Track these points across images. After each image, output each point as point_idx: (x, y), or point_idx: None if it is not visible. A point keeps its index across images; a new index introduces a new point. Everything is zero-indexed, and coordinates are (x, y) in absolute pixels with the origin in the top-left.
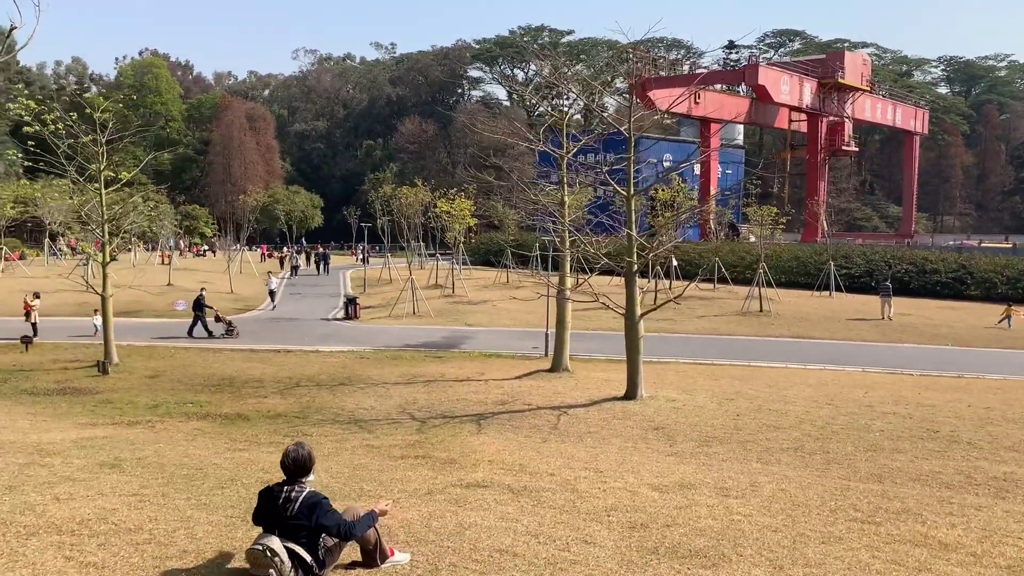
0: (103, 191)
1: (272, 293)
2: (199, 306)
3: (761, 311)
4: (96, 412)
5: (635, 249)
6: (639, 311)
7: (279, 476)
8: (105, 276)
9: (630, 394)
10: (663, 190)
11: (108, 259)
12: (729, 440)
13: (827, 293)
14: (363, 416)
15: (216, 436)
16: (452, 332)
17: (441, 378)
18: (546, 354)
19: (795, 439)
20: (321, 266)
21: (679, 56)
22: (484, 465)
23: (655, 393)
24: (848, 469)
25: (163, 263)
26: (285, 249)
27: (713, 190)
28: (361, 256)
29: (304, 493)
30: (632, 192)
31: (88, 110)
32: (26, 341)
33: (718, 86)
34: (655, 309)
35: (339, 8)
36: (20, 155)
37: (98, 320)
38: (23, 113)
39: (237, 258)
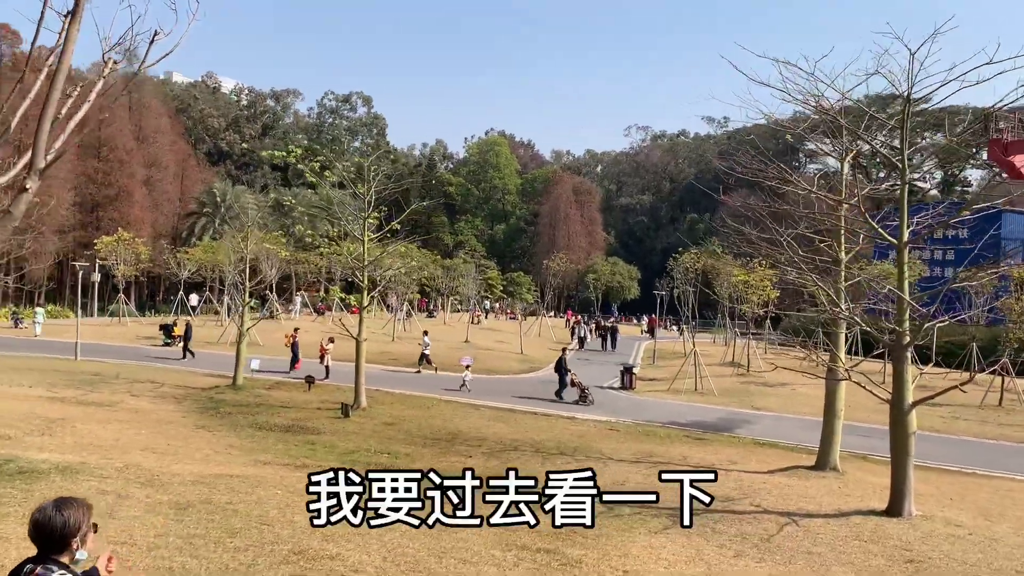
0: (365, 239)
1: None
2: (561, 369)
3: None
4: (288, 452)
5: (907, 317)
6: (910, 398)
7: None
8: (361, 320)
9: (894, 509)
10: (1019, 269)
11: (365, 305)
12: None
13: None
14: None
15: None
16: (731, 414)
17: (678, 461)
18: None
19: None
20: (608, 340)
21: None
22: None
23: (934, 512)
24: None
25: (474, 322)
26: (574, 318)
27: None
28: (647, 328)
29: None
30: (905, 241)
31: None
32: (309, 381)
33: None
34: (932, 397)
35: (671, 87)
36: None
37: (468, 376)
38: (293, 160)
39: (538, 322)
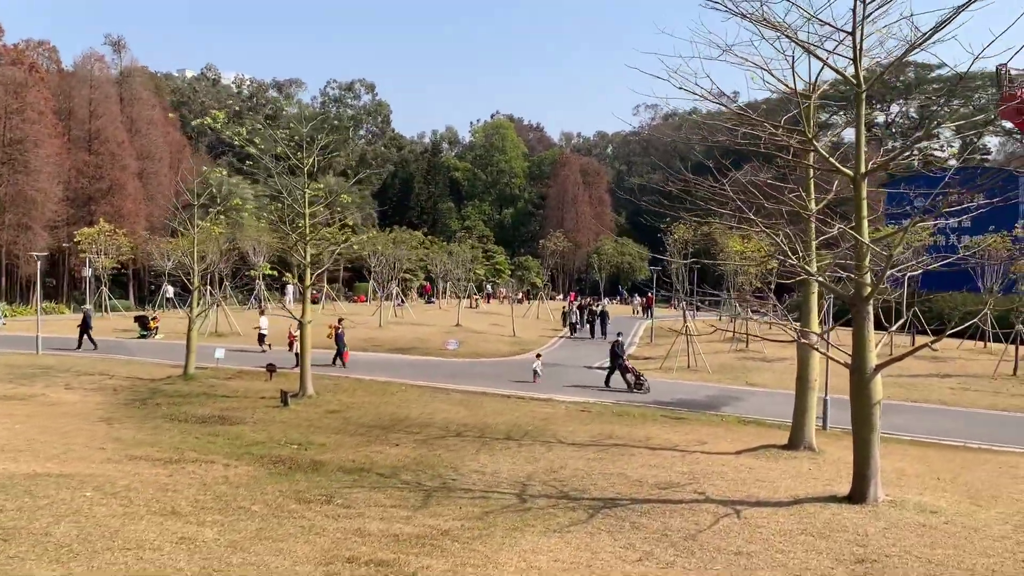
0: (306, 212)
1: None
2: (615, 355)
3: None
4: (180, 445)
5: (867, 262)
6: (873, 360)
7: None
8: (305, 301)
9: (857, 495)
10: None
11: (309, 284)
12: None
13: None
14: (461, 483)
15: (206, 489)
16: (722, 391)
17: (637, 443)
18: (824, 425)
19: None
20: (596, 325)
21: None
22: None
23: (908, 497)
24: None
25: (471, 307)
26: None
27: None
28: (641, 308)
29: None
30: (864, 171)
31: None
32: (271, 370)
33: None
34: (899, 359)
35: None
36: (376, 210)
37: (538, 364)
38: (219, 127)
39: (536, 305)
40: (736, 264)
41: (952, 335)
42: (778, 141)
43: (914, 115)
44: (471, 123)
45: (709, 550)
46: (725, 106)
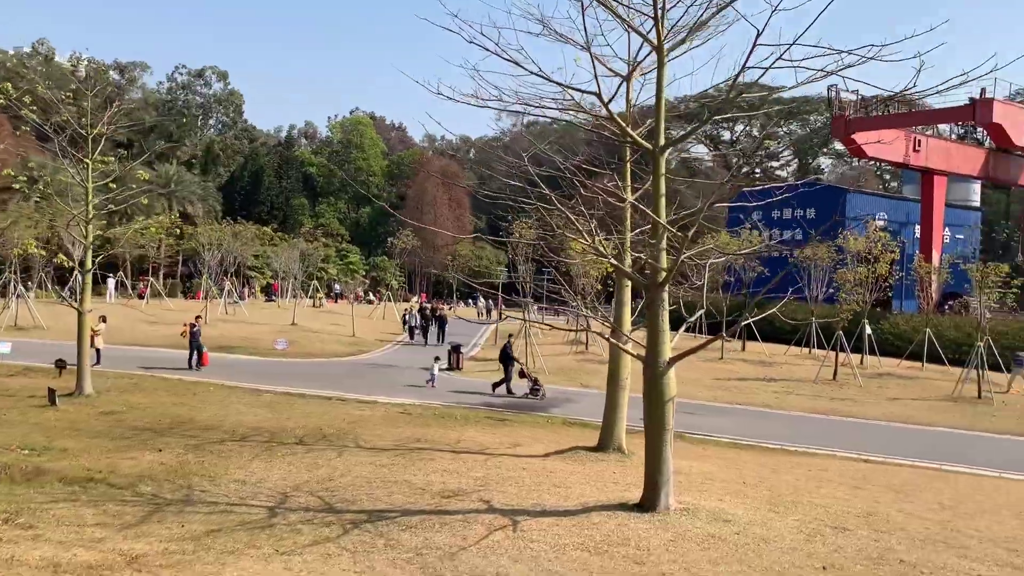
0: (90, 186)
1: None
2: (507, 358)
3: (979, 398)
4: None
5: (663, 245)
6: (667, 352)
7: None
8: (83, 288)
9: (647, 502)
10: (855, 238)
11: (89, 268)
12: None
13: None
14: (209, 496)
15: None
16: (557, 392)
17: (444, 447)
18: None
19: None
20: (429, 331)
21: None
22: None
23: (702, 503)
24: None
25: (315, 306)
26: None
27: (936, 255)
28: (484, 311)
29: None
30: (660, 145)
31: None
32: (60, 366)
33: (947, 131)
34: (693, 351)
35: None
36: (220, 203)
37: (436, 369)
38: None
39: (382, 306)
40: (573, 259)
41: (765, 339)
42: (581, 110)
43: (757, 134)
44: (329, 118)
45: (462, 573)
46: (515, 61)
